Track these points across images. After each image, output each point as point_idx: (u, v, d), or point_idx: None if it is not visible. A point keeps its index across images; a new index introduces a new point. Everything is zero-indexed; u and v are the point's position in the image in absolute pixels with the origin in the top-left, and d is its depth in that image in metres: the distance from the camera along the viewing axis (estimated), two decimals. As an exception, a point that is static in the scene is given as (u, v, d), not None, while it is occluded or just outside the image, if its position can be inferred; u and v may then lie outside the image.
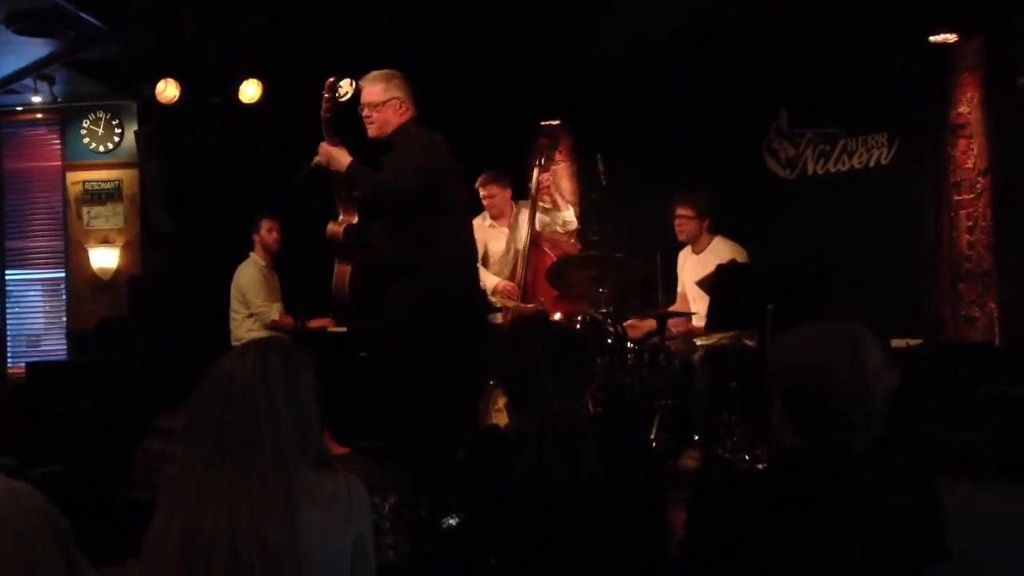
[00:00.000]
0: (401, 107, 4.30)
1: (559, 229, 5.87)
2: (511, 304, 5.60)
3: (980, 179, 5.72)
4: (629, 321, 5.43)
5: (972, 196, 5.74)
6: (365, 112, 4.32)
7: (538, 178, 5.77)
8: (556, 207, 5.83)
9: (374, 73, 4.36)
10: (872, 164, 6.29)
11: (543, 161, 5.86)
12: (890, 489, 1.96)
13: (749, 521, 1.96)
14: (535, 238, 5.72)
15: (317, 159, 4.28)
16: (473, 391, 4.90)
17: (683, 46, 6.31)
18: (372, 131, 4.33)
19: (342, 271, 4.40)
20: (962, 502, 2.23)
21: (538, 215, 5.77)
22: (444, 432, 3.91)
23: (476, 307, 4.67)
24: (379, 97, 4.29)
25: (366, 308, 4.41)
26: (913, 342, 5.35)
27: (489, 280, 5.76)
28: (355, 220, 4.39)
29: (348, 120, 4.46)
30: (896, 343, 5.34)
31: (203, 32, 6.25)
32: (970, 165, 5.78)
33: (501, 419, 5.11)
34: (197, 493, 1.89)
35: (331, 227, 4.39)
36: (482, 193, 5.87)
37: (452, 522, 2.76)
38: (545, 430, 2.31)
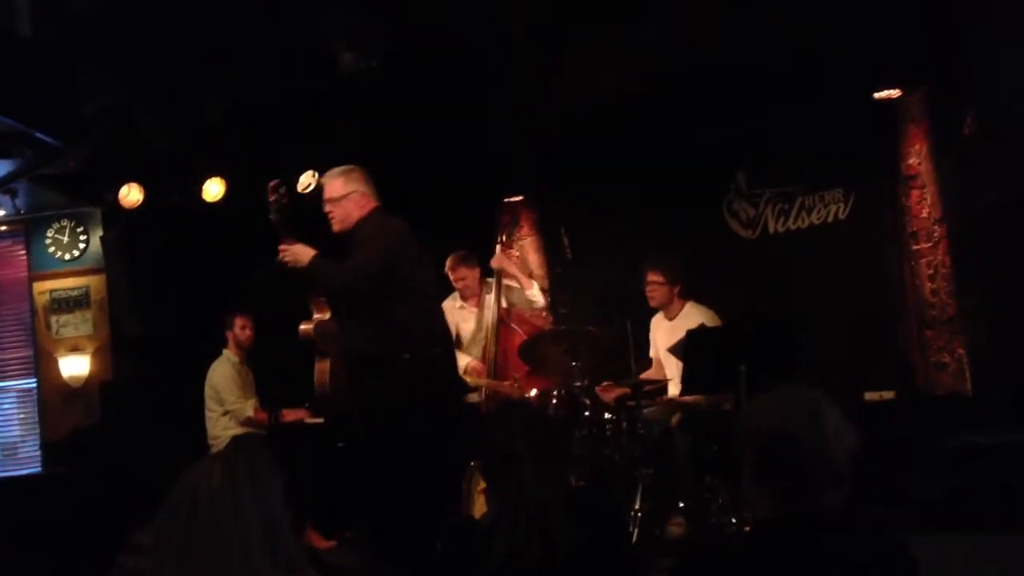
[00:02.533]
0: (362, 199, 4.37)
1: (526, 307, 5.88)
2: (483, 383, 5.60)
3: (936, 227, 5.81)
4: (603, 384, 5.43)
5: (930, 245, 5.83)
6: (327, 208, 4.38)
7: (499, 256, 5.79)
8: (521, 286, 5.84)
9: (334, 170, 4.45)
10: (830, 219, 6.36)
11: (504, 238, 5.91)
12: (864, 550, 1.98)
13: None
14: (503, 316, 5.72)
15: (281, 255, 4.31)
16: (452, 474, 4.87)
17: (634, 113, 6.41)
18: (335, 226, 4.38)
19: (322, 367, 4.42)
20: (936, 555, 2.24)
21: (503, 293, 5.79)
22: (425, 518, 3.88)
23: (452, 389, 4.67)
24: (339, 192, 4.36)
25: (347, 400, 4.40)
26: (886, 395, 5.38)
27: (460, 360, 5.75)
28: (327, 316, 4.41)
29: (311, 212, 4.51)
30: (870, 396, 5.38)
31: (161, 134, 6.30)
32: (925, 215, 5.87)
33: (484, 501, 5.08)
34: (169, 610, 1.87)
35: (303, 327, 4.42)
36: (452, 276, 5.88)
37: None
38: (519, 518, 2.32)
